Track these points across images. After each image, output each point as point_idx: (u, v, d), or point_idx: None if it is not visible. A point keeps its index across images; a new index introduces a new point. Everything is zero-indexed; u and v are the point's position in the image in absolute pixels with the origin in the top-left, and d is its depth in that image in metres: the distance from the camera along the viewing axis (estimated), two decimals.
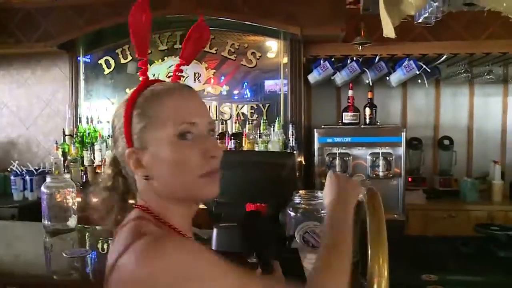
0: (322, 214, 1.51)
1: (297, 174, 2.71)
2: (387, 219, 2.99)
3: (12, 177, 3.62)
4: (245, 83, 3.75)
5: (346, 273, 0.93)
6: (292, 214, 1.57)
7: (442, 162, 3.89)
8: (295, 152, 3.43)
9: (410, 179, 3.71)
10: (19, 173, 3.61)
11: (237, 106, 3.76)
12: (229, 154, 2.73)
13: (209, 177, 0.88)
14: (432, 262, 1.58)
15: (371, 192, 1.07)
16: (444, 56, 3.40)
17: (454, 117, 3.94)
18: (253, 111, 3.74)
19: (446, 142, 3.82)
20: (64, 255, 1.74)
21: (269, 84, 3.72)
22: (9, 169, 3.75)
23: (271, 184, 1.87)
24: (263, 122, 3.59)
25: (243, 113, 3.75)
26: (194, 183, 0.87)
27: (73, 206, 2.15)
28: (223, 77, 3.76)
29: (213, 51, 3.71)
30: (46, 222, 2.09)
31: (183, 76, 3.73)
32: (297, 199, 1.56)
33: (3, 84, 4.26)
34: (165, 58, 3.79)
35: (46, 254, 1.96)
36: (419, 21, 1.83)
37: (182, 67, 1.00)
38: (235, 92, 3.77)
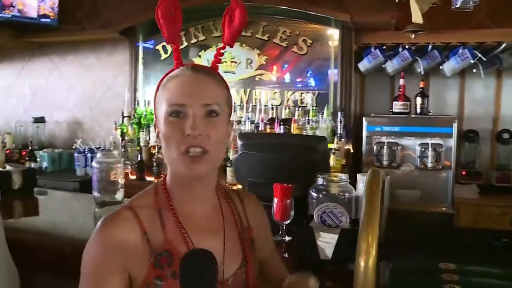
0: (342, 196, 1.54)
1: (329, 157, 2.72)
2: (434, 211, 2.93)
3: (75, 154, 3.91)
4: (296, 70, 3.78)
5: None
6: (314, 195, 1.61)
7: (500, 156, 3.71)
8: (342, 139, 3.43)
9: (464, 173, 3.58)
10: (82, 150, 3.89)
11: (287, 92, 3.80)
12: (264, 137, 2.80)
13: (187, 156, 0.96)
14: (455, 252, 1.56)
15: (374, 171, 1.09)
16: (504, 45, 3.23)
17: None
18: (303, 98, 3.76)
19: (506, 135, 3.63)
20: None
21: (320, 72, 3.72)
22: (73, 147, 4.04)
23: (302, 166, 1.92)
24: (312, 109, 3.61)
25: (293, 100, 3.78)
26: (177, 158, 0.97)
27: (121, 181, 2.30)
28: (285, 65, 3.81)
29: (265, 37, 3.77)
30: (95, 194, 2.25)
31: (236, 62, 3.85)
32: (320, 181, 1.60)
33: (72, 68, 4.58)
34: (219, 44, 3.89)
35: (94, 222, 2.13)
36: (456, 6, 1.77)
37: (224, 51, 1.08)
38: (286, 78, 3.81)
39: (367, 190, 1.03)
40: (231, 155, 3.34)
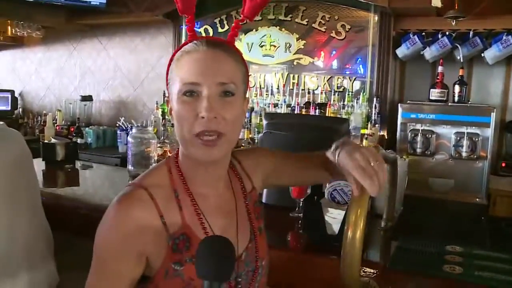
0: None
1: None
2: (467, 201, 2.90)
3: (118, 132, 4.10)
4: (334, 55, 3.79)
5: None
6: None
7: None
8: (377, 125, 3.42)
9: (503, 164, 3.49)
10: (124, 128, 4.08)
11: (324, 77, 3.81)
12: (288, 117, 2.85)
13: (200, 139, 0.91)
14: (467, 237, 1.57)
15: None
16: None
17: None
18: (340, 83, 3.77)
19: None
20: None
21: (358, 57, 3.71)
22: (117, 125, 4.24)
23: (323, 146, 1.96)
24: (348, 94, 3.62)
25: (330, 84, 3.80)
26: (190, 140, 0.93)
27: (154, 156, 2.43)
28: (333, 51, 3.83)
29: (304, 22, 3.79)
30: (130, 167, 2.39)
31: (274, 46, 3.89)
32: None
33: (118, 50, 4.78)
34: (259, 28, 3.95)
35: None
36: None
37: (242, 23, 1.02)
38: (324, 63, 3.82)
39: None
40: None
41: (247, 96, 1.03)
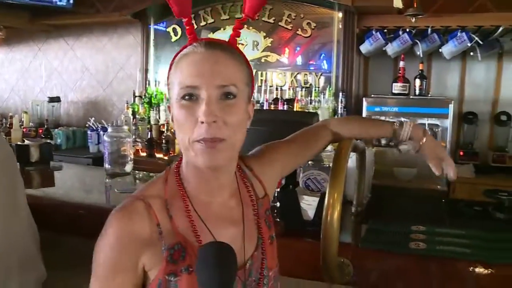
0: (327, 165, 1.70)
1: None
2: (429, 188, 3.07)
3: (89, 132, 4.11)
4: (300, 53, 3.91)
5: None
6: None
7: (497, 138, 3.81)
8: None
9: (461, 153, 3.70)
10: (95, 128, 4.09)
11: (291, 73, 3.94)
12: (259, 113, 2.96)
13: (201, 145, 0.87)
14: (428, 217, 1.71)
15: (345, 140, 1.23)
16: (501, 28, 3.31)
17: None
18: (306, 79, 3.90)
19: (504, 117, 3.72)
20: (116, 190, 2.08)
21: (323, 54, 3.85)
22: (87, 125, 4.24)
23: None
24: (315, 90, 3.75)
25: (297, 80, 3.93)
26: (190, 146, 0.89)
27: (130, 154, 2.48)
28: (297, 48, 3.94)
29: (271, 21, 3.89)
30: (107, 166, 2.44)
31: (242, 44, 3.98)
32: None
33: (86, 50, 4.77)
34: (226, 27, 4.04)
35: (105, 190, 2.32)
36: None
37: (244, 23, 0.99)
38: (291, 60, 3.95)
39: (337, 153, 1.18)
40: None
41: (252, 99, 0.99)
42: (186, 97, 0.88)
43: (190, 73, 0.88)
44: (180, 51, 0.94)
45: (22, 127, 4.36)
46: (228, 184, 0.99)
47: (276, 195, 1.80)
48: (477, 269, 1.26)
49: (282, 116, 2.40)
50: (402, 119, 1.29)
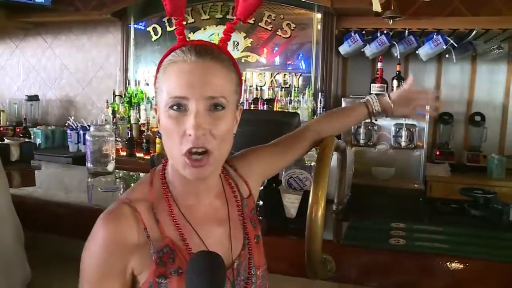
0: (308, 164, 1.74)
1: None
2: (407, 187, 3.15)
3: (68, 131, 4.07)
4: (280, 53, 3.95)
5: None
6: None
7: (472, 138, 3.92)
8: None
9: (438, 153, 3.80)
10: (74, 128, 4.05)
11: (271, 74, 3.98)
12: (244, 112, 2.99)
13: (188, 159, 0.88)
14: (409, 215, 1.77)
15: (329, 138, 1.27)
16: (474, 31, 3.41)
17: (489, 94, 3.92)
18: (286, 79, 3.95)
19: (478, 118, 3.83)
20: (99, 189, 2.08)
21: (303, 55, 3.90)
22: (66, 124, 4.21)
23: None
24: (294, 90, 3.80)
25: (277, 81, 3.97)
26: (178, 158, 0.89)
27: (112, 153, 2.48)
28: (270, 48, 3.98)
29: (251, 21, 3.92)
30: (89, 165, 2.44)
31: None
32: None
33: (65, 48, 4.72)
34: (207, 26, 4.06)
35: (88, 189, 2.32)
36: None
37: (235, 27, 0.98)
38: (271, 61, 3.99)
39: (320, 152, 1.22)
40: None
41: (239, 104, 0.99)
42: (174, 107, 0.87)
43: (179, 84, 0.87)
44: (168, 53, 0.92)
45: None
46: (213, 186, 1.00)
47: (259, 193, 1.84)
48: (454, 264, 1.32)
49: (263, 116, 2.43)
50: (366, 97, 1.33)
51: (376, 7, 1.97)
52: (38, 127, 4.36)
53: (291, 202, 1.54)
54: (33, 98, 4.67)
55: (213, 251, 0.83)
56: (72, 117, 4.21)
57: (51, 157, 3.80)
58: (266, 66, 4.00)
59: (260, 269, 1.03)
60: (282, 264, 1.49)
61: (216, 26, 4.02)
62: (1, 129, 4.30)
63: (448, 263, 1.32)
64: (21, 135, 4.05)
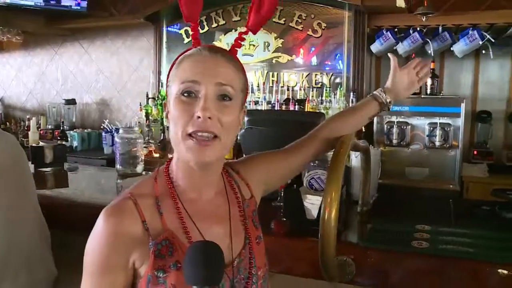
0: None
1: None
2: (441, 188, 3.05)
3: (103, 134, 4.18)
4: (312, 53, 3.92)
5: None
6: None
7: None
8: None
9: (475, 152, 3.66)
10: (109, 130, 4.15)
11: (303, 74, 3.95)
12: (267, 113, 2.97)
13: (192, 140, 0.91)
14: (435, 217, 1.71)
15: (346, 136, 1.24)
16: None
17: None
18: (318, 79, 3.90)
19: None
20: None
21: (334, 54, 3.85)
22: (101, 127, 4.31)
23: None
24: (326, 90, 3.75)
25: (308, 81, 3.93)
26: (182, 141, 0.92)
27: (141, 155, 2.52)
28: (312, 48, 3.95)
29: (281, 21, 3.91)
30: (118, 166, 2.49)
31: (254, 45, 4.01)
32: None
33: (100, 53, 4.84)
34: (238, 28, 4.07)
35: (116, 190, 2.37)
36: None
37: (246, 36, 1.04)
38: (302, 60, 3.95)
39: (335, 152, 1.19)
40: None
41: (244, 107, 1.03)
42: (185, 93, 0.92)
43: (192, 70, 0.93)
44: (184, 53, 0.98)
45: (39, 129, 4.45)
46: (215, 182, 1.03)
47: (282, 195, 1.82)
48: (480, 268, 1.26)
49: (289, 116, 2.41)
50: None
51: (400, 2, 1.90)
52: (75, 130, 4.49)
53: (312, 203, 1.52)
54: (71, 102, 4.82)
55: None
56: (107, 120, 4.31)
57: (86, 159, 3.91)
58: (299, 66, 3.98)
59: (261, 269, 1.04)
60: (303, 266, 1.47)
61: None
62: (41, 132, 4.44)
63: (474, 268, 1.26)
64: (59, 137, 4.19)
